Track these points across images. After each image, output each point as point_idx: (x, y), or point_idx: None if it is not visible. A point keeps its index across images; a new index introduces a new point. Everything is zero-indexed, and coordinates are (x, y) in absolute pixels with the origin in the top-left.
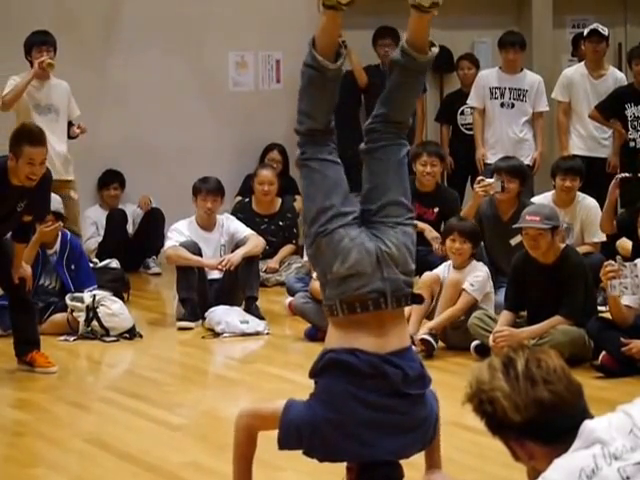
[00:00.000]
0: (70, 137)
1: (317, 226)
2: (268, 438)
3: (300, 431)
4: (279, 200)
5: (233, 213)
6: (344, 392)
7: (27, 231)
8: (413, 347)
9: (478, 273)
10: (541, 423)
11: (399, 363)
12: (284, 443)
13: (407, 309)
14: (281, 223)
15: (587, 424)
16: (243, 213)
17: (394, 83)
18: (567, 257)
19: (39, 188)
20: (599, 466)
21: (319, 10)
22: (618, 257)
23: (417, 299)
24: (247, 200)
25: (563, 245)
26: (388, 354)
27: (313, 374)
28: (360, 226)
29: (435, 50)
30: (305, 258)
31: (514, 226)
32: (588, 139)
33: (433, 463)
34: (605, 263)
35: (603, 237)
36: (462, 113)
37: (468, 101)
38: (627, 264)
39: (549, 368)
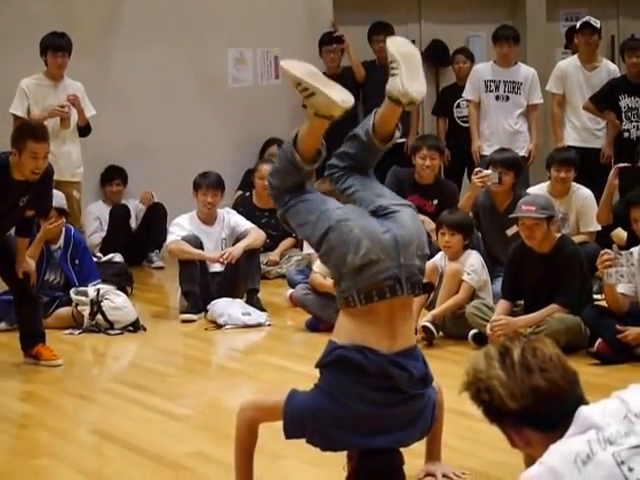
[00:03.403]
0: (82, 134)
1: (321, 229)
2: (271, 427)
3: (303, 420)
4: None
5: (234, 207)
6: (348, 388)
7: (30, 226)
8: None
9: (472, 262)
10: (537, 410)
11: (405, 365)
12: (290, 432)
13: None
14: None
15: (582, 410)
16: (244, 207)
17: (352, 151)
18: (563, 246)
19: (41, 183)
20: (594, 451)
21: (304, 108)
22: (614, 246)
23: (427, 287)
24: (247, 194)
25: (559, 235)
26: (396, 354)
27: (320, 365)
28: (368, 216)
29: (397, 135)
30: (305, 251)
31: (510, 216)
32: (582, 130)
33: (433, 454)
34: (602, 252)
35: (598, 227)
36: (458, 106)
37: (464, 94)
38: (623, 253)
39: (545, 356)
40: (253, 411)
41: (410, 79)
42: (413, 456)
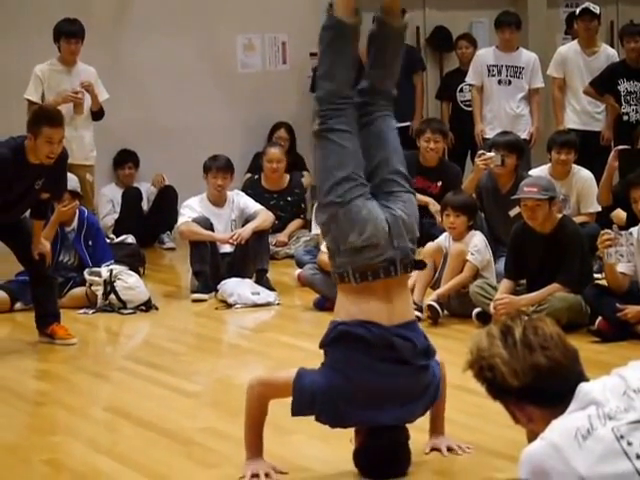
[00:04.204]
0: (95, 118)
1: (334, 196)
2: (279, 403)
3: (313, 398)
4: (287, 176)
5: (243, 190)
6: (356, 362)
7: (45, 209)
8: (419, 314)
9: (476, 242)
10: (539, 387)
11: (409, 335)
12: (297, 410)
13: (411, 280)
14: (289, 198)
15: (582, 387)
16: (253, 189)
17: (376, 54)
18: (564, 227)
19: (55, 167)
20: (594, 426)
21: None
22: (614, 226)
23: (420, 264)
24: (256, 177)
25: (560, 215)
26: (397, 326)
27: (324, 344)
28: (373, 198)
29: (407, 17)
30: (313, 232)
31: (513, 197)
32: (582, 114)
33: (437, 428)
34: (602, 232)
35: (598, 208)
36: (461, 90)
37: (467, 79)
38: (623, 233)
39: (545, 335)
40: (262, 387)
41: None
42: (418, 431)
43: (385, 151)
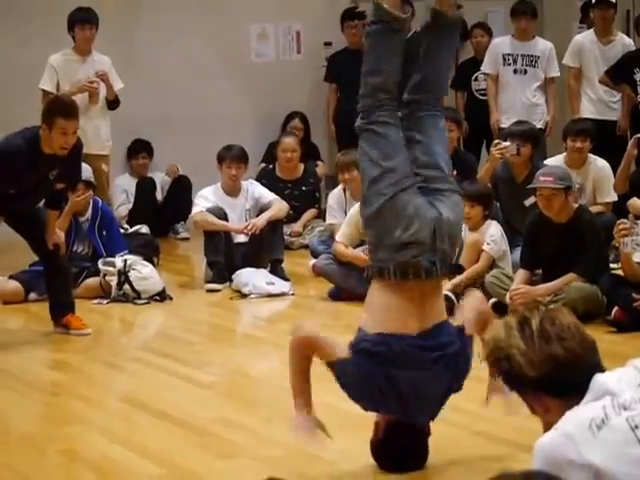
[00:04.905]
0: (111, 107)
1: (380, 187)
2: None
3: (352, 384)
4: (302, 166)
5: (257, 180)
6: (374, 373)
7: (59, 199)
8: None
9: (492, 232)
10: (555, 378)
11: (431, 345)
12: (344, 387)
13: None
14: (304, 188)
15: (597, 378)
16: (267, 179)
17: (428, 46)
18: (580, 217)
19: (70, 157)
20: (609, 416)
21: None
22: (630, 215)
23: (459, 268)
24: (271, 167)
25: (576, 205)
26: (424, 333)
27: (351, 349)
28: (421, 194)
29: (461, 10)
30: (328, 221)
31: (528, 187)
32: (598, 103)
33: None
34: (618, 222)
35: (615, 197)
36: (476, 79)
37: (482, 68)
38: (638, 222)
39: (563, 325)
40: (305, 346)
41: None
42: (439, 422)
43: (430, 152)
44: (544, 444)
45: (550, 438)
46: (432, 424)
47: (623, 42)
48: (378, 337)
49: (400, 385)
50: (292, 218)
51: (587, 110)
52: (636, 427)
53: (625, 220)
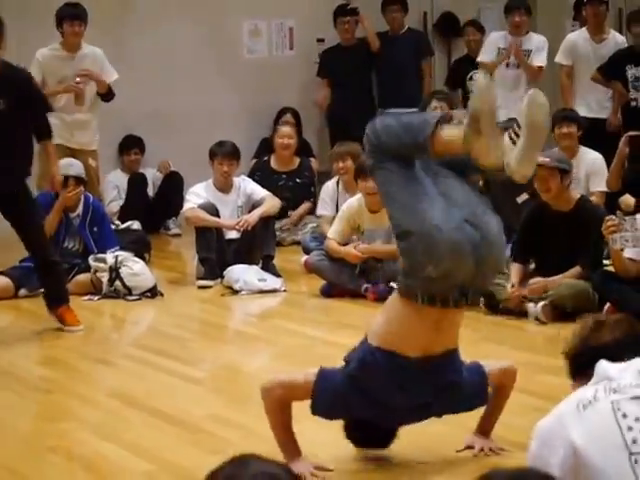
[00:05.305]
0: (105, 100)
1: (408, 225)
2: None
3: (333, 403)
4: (297, 159)
5: (251, 172)
6: (373, 384)
7: (44, 126)
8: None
9: None
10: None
11: (435, 371)
12: (318, 411)
13: None
14: (298, 180)
15: (601, 363)
16: (261, 171)
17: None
18: (584, 206)
19: (19, 86)
20: (597, 398)
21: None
22: (618, 212)
23: (494, 303)
24: (265, 159)
25: (578, 195)
26: (430, 357)
27: (349, 359)
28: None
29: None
30: (318, 212)
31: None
32: (590, 100)
33: (482, 428)
34: (606, 218)
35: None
36: (471, 79)
37: (478, 58)
38: (627, 218)
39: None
40: (282, 390)
41: (525, 160)
42: (443, 423)
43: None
44: (539, 426)
45: (545, 420)
46: (426, 422)
47: (616, 39)
48: (386, 352)
49: (372, 395)
50: (284, 212)
51: (579, 108)
52: (618, 409)
53: (613, 217)
